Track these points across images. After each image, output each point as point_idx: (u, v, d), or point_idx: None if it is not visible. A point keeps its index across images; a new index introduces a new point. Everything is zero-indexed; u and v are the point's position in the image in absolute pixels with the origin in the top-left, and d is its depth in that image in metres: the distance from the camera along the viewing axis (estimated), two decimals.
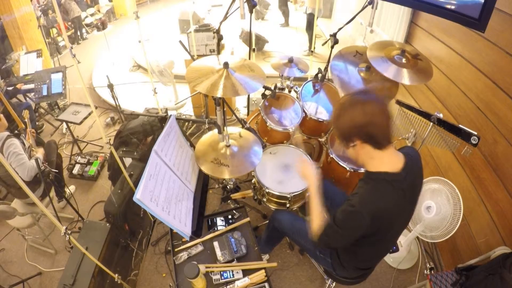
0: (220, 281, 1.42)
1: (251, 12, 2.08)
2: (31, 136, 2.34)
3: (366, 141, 1.08)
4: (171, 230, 1.59)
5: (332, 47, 2.33)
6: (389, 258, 2.20)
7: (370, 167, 1.14)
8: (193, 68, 1.65)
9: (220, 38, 2.24)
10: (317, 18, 3.31)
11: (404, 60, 1.85)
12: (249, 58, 2.82)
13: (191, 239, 1.51)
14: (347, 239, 1.18)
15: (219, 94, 1.49)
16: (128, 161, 2.45)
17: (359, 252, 1.32)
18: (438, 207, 1.75)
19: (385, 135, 1.07)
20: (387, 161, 1.11)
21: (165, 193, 1.40)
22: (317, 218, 1.25)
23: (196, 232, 1.52)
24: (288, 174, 1.93)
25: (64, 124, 3.53)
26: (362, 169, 1.82)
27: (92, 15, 7.20)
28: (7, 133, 2.11)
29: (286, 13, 6.62)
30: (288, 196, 1.82)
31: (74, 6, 6.16)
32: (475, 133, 1.60)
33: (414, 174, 1.16)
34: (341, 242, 1.22)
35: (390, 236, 1.25)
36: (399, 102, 2.06)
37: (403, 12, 2.73)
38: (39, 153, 2.25)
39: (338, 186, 1.80)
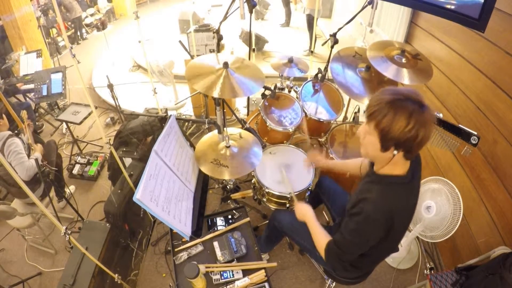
0: (220, 281, 1.42)
1: (251, 12, 2.09)
2: (28, 129, 2.34)
3: (405, 152, 1.03)
4: (171, 230, 1.59)
5: (332, 47, 2.33)
6: (389, 258, 2.20)
7: (384, 170, 1.12)
8: (193, 66, 1.64)
9: (220, 38, 2.24)
10: (317, 19, 3.30)
11: (404, 60, 1.85)
12: (249, 58, 2.82)
13: (191, 239, 1.51)
14: (362, 249, 1.17)
15: (215, 94, 1.48)
16: (128, 161, 2.45)
17: (363, 254, 1.31)
18: (438, 207, 1.75)
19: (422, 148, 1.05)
20: (400, 165, 1.10)
21: (165, 193, 1.40)
22: (322, 239, 1.29)
23: (196, 232, 1.52)
24: (288, 174, 1.93)
25: (64, 124, 3.52)
26: (363, 160, 1.80)
27: (92, 15, 7.20)
28: (9, 132, 2.12)
29: (287, 13, 6.62)
30: (288, 196, 1.82)
31: (76, 6, 6.16)
32: (475, 133, 1.59)
33: (417, 173, 1.17)
34: (355, 253, 1.20)
35: (396, 237, 1.24)
36: None
37: (403, 12, 2.73)
38: (37, 149, 2.25)
39: (339, 179, 1.80)
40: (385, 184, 1.11)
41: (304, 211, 1.46)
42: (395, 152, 1.02)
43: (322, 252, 1.28)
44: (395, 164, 1.09)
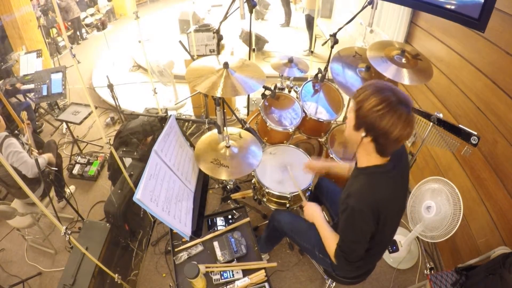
0: (220, 281, 1.42)
1: (251, 12, 2.09)
2: (28, 129, 2.34)
3: (375, 143, 1.06)
4: (171, 230, 1.59)
5: (332, 47, 2.33)
6: (389, 258, 2.20)
7: (363, 162, 1.16)
8: (193, 68, 1.65)
9: (220, 38, 2.24)
10: (317, 19, 3.30)
11: (404, 60, 1.85)
12: (249, 58, 2.82)
13: (191, 239, 1.51)
14: (362, 244, 1.18)
15: (218, 94, 1.50)
16: (128, 161, 2.45)
17: None
18: (438, 207, 1.75)
19: (394, 149, 1.07)
20: (375, 157, 1.13)
21: (165, 193, 1.40)
22: (332, 242, 1.28)
23: (196, 232, 1.52)
24: (288, 174, 1.93)
25: (64, 124, 3.53)
26: None
27: (92, 15, 7.20)
28: (5, 133, 2.11)
29: (287, 13, 6.63)
30: (288, 196, 1.82)
31: (74, 6, 6.16)
32: (475, 133, 1.60)
33: (401, 162, 1.18)
34: (358, 250, 1.20)
35: (388, 229, 1.25)
36: None
37: (403, 12, 2.73)
38: (46, 155, 2.25)
39: (339, 179, 1.80)
40: (365, 174, 1.14)
41: (313, 212, 1.45)
42: (363, 134, 1.05)
43: (332, 258, 1.27)
44: (370, 155, 1.12)
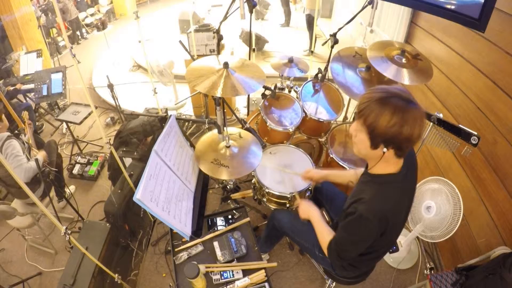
0: (220, 281, 1.42)
1: (251, 12, 2.09)
2: (29, 129, 2.34)
3: (396, 150, 1.03)
4: (171, 230, 1.59)
5: (332, 47, 2.33)
6: (389, 258, 2.20)
7: (377, 169, 1.12)
8: (193, 68, 1.65)
9: (220, 38, 2.25)
10: (317, 19, 3.30)
11: (404, 60, 1.85)
12: (249, 58, 2.82)
13: (191, 239, 1.50)
14: (359, 248, 1.18)
15: (218, 94, 1.50)
16: (128, 161, 2.45)
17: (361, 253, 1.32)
18: (438, 207, 1.75)
19: (412, 146, 1.05)
20: (393, 163, 1.10)
21: (165, 193, 1.40)
22: (326, 236, 1.28)
23: (196, 232, 1.52)
24: (288, 174, 1.93)
25: (64, 124, 3.53)
26: (361, 169, 1.81)
27: (92, 15, 7.20)
28: (7, 133, 2.11)
29: (286, 13, 6.63)
30: (288, 196, 1.82)
31: (71, 8, 6.16)
32: (475, 133, 1.60)
33: (411, 170, 1.17)
34: (353, 252, 1.21)
35: (391, 237, 1.25)
36: None
37: (403, 12, 2.73)
38: (40, 155, 2.25)
39: (338, 186, 1.80)
40: (378, 184, 1.12)
41: (309, 208, 1.45)
42: (385, 149, 1.03)
43: (325, 250, 1.28)
44: (387, 162, 1.09)
